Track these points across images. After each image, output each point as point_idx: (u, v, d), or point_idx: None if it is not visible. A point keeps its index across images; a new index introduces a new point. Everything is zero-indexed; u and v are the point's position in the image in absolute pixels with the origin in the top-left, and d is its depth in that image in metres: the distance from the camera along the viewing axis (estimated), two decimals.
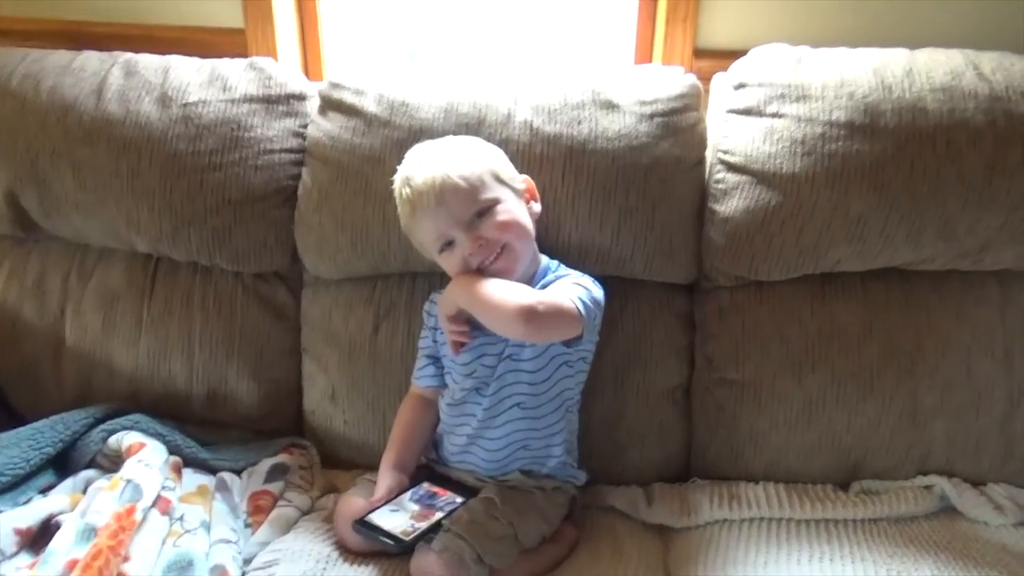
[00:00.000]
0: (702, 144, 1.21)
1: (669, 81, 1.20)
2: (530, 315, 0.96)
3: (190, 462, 1.19)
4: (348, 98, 1.25)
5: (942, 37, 1.22)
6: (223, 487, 1.16)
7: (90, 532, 0.94)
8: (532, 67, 1.29)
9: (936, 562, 1.01)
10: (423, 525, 1.01)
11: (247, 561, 1.04)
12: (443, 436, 1.15)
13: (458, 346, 1.08)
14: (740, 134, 1.17)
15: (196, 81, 1.31)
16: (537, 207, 1.11)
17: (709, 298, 1.22)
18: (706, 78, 1.27)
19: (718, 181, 1.18)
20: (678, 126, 1.18)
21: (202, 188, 1.25)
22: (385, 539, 0.99)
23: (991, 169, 1.07)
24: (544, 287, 1.07)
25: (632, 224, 1.16)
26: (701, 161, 1.21)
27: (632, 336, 1.22)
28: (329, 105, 1.27)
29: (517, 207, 1.06)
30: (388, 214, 1.13)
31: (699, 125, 1.21)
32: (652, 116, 1.17)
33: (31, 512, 1.02)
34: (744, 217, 1.14)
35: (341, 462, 1.30)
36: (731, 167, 1.17)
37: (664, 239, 1.18)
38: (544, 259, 1.13)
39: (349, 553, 1.05)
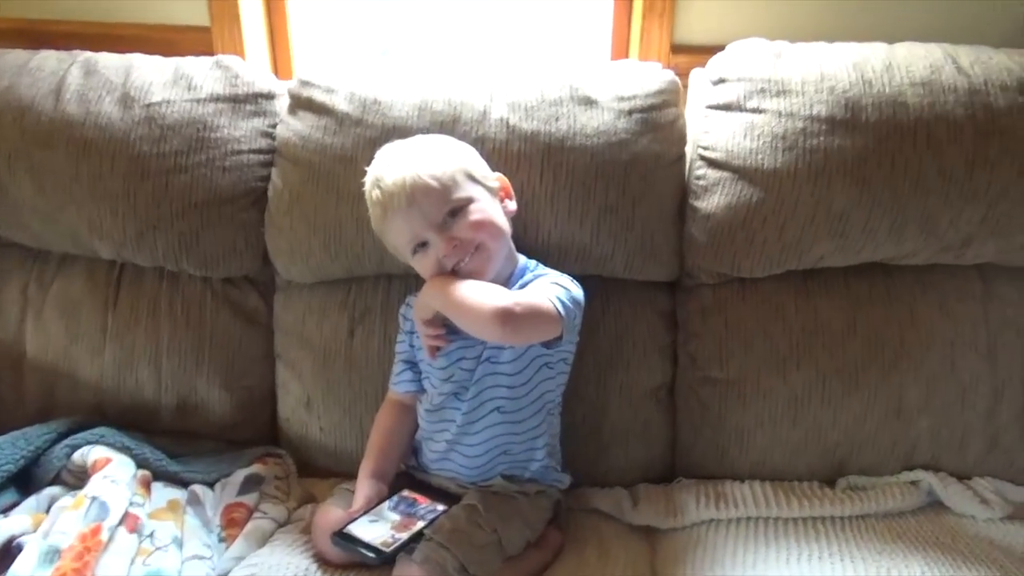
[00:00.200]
0: (682, 140, 1.19)
1: (647, 77, 1.18)
2: (506, 317, 0.94)
3: (160, 476, 1.15)
4: (318, 96, 1.22)
5: (919, 31, 1.21)
6: (195, 501, 1.12)
7: (53, 554, 0.90)
8: (508, 63, 1.26)
9: (925, 558, 1.00)
10: (404, 535, 0.98)
11: None
12: (422, 442, 1.12)
13: (434, 350, 1.05)
14: (720, 130, 1.15)
15: (159, 80, 1.26)
16: (512, 205, 1.08)
17: (691, 296, 1.21)
18: (684, 74, 1.26)
19: (699, 177, 1.16)
20: (657, 122, 1.16)
21: (167, 191, 1.21)
22: (365, 551, 0.96)
23: (971, 163, 1.07)
24: (522, 287, 1.05)
25: (612, 222, 1.14)
26: (681, 157, 1.19)
27: (614, 336, 1.20)
28: (299, 104, 1.24)
29: (491, 206, 1.04)
30: (361, 215, 1.10)
31: (678, 121, 1.19)
32: (631, 112, 1.15)
33: None
34: (726, 214, 1.13)
35: (318, 470, 1.27)
36: (712, 163, 1.15)
37: (645, 237, 1.16)
38: (522, 259, 1.10)
39: (328, 566, 1.02)
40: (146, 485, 1.10)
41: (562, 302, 0.99)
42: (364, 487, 1.06)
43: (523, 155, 1.13)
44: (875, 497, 1.10)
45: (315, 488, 1.23)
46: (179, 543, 1.02)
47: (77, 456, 1.11)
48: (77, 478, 1.11)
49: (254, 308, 1.30)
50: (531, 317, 0.96)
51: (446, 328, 1.04)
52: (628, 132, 1.14)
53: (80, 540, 0.90)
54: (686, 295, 1.22)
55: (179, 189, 1.22)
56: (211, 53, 1.36)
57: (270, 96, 1.29)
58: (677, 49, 1.40)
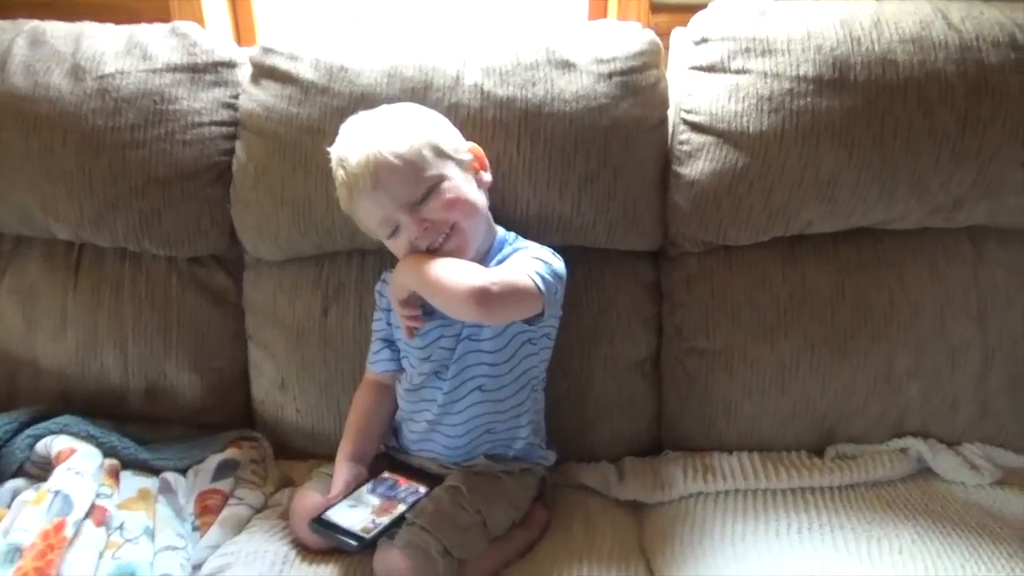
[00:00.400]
0: (664, 104, 1.15)
1: (627, 38, 1.13)
2: (483, 296, 0.90)
3: (129, 464, 1.11)
4: (282, 64, 1.15)
5: None
6: (167, 489, 1.08)
7: (14, 553, 0.85)
8: (481, 26, 1.21)
9: (915, 526, 0.99)
10: (384, 520, 0.95)
11: (196, 567, 0.96)
12: (402, 423, 1.09)
13: (411, 331, 1.02)
14: (703, 92, 1.11)
15: (112, 50, 1.19)
16: (487, 177, 1.04)
17: (676, 265, 1.18)
18: (664, 34, 1.21)
19: (682, 142, 1.12)
20: (638, 85, 1.11)
21: (125, 167, 1.15)
22: (344, 538, 0.92)
23: (963, 122, 1.04)
24: (501, 261, 1.01)
25: (593, 191, 1.10)
26: (663, 122, 1.15)
27: (597, 308, 1.16)
28: (262, 72, 1.17)
29: (464, 182, 0.99)
30: (331, 188, 1.04)
31: (660, 84, 1.14)
32: (610, 75, 1.10)
33: None
34: (710, 180, 1.09)
35: (296, 452, 1.24)
36: (695, 127, 1.11)
37: (627, 205, 1.12)
38: (500, 231, 1.06)
39: (307, 552, 0.99)
40: (114, 475, 1.05)
41: (542, 277, 0.95)
42: (342, 471, 1.03)
43: (499, 122, 1.08)
44: (864, 466, 1.08)
45: (293, 471, 1.20)
46: (151, 534, 0.98)
47: (40, 447, 1.06)
48: (42, 469, 1.06)
49: (222, 288, 1.25)
50: (509, 295, 0.92)
51: (423, 307, 1.00)
52: (608, 96, 1.09)
53: (42, 537, 0.86)
54: (670, 264, 1.18)
55: (137, 165, 1.16)
56: (168, 21, 1.29)
57: (231, 65, 1.23)
58: (657, 8, 1.35)
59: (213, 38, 1.24)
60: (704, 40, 1.12)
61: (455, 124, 1.06)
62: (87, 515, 0.93)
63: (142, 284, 1.22)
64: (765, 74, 1.07)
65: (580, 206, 1.11)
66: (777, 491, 1.07)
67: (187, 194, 1.18)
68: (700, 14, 1.15)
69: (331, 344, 1.18)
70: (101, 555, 0.91)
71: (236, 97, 1.21)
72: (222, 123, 1.20)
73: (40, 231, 1.22)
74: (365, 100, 1.09)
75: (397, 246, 0.99)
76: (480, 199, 1.01)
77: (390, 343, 1.09)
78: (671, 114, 1.16)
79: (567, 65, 1.11)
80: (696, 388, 1.16)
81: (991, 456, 1.11)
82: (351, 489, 1.00)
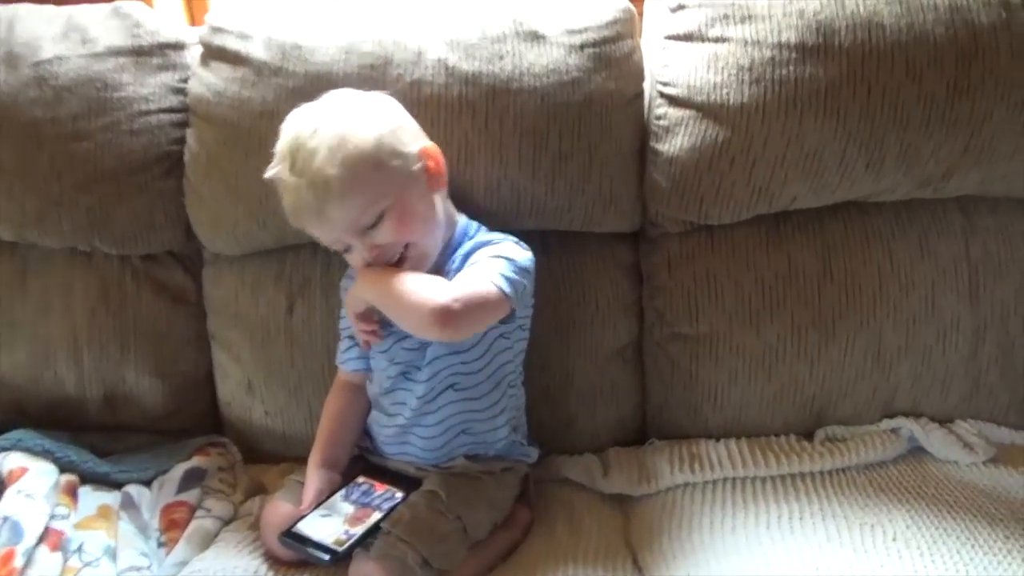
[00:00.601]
0: (639, 76, 1.09)
1: (599, 6, 1.07)
2: (445, 316, 0.85)
3: (88, 479, 1.05)
4: (232, 44, 1.08)
5: None
6: (129, 504, 1.03)
7: None
8: None
9: (910, 510, 0.95)
10: (359, 530, 0.90)
11: None
12: (374, 426, 1.04)
13: (369, 344, 0.98)
14: (681, 63, 1.05)
15: (48, 34, 1.12)
16: (443, 178, 0.96)
17: (656, 247, 1.12)
18: (638, 1, 1.14)
19: (659, 117, 1.06)
20: (612, 56, 1.05)
21: (69, 162, 1.09)
22: (316, 552, 0.87)
23: (953, 88, 0.98)
24: (465, 256, 0.95)
25: (567, 170, 1.05)
26: (639, 95, 1.09)
27: (575, 294, 1.12)
28: (211, 54, 1.10)
29: (418, 198, 0.92)
30: None
31: (635, 54, 1.08)
32: (582, 47, 1.04)
33: None
34: (690, 156, 1.04)
35: (267, 456, 1.18)
36: (673, 100, 1.05)
37: (604, 185, 1.06)
38: (461, 220, 1.00)
39: (280, 565, 0.94)
40: (71, 492, 0.99)
41: (506, 278, 0.90)
42: (314, 479, 0.98)
43: (465, 100, 1.02)
44: (855, 448, 1.05)
45: (265, 475, 1.15)
46: (112, 554, 0.93)
47: None
48: None
49: (181, 286, 1.19)
50: (473, 310, 0.87)
51: (381, 319, 0.96)
52: (580, 69, 1.03)
53: None
54: (650, 246, 1.13)
55: (82, 158, 1.09)
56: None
57: (179, 46, 1.15)
58: None
59: (159, 18, 1.16)
60: (680, 7, 1.06)
61: (417, 103, 1.00)
62: (40, 541, 0.87)
63: (95, 286, 1.16)
64: (745, 42, 1.01)
65: (554, 187, 1.05)
66: (766, 478, 1.04)
67: (137, 188, 1.11)
68: None
69: (298, 342, 1.13)
70: None
71: (186, 81, 1.14)
72: (171, 110, 1.13)
73: None
74: (321, 79, 1.02)
75: (352, 260, 0.95)
76: (436, 210, 0.95)
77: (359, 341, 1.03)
78: (647, 87, 1.10)
79: (536, 37, 1.04)
80: (680, 374, 1.11)
81: (984, 432, 1.08)
82: (324, 497, 0.95)
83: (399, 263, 0.92)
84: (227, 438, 1.19)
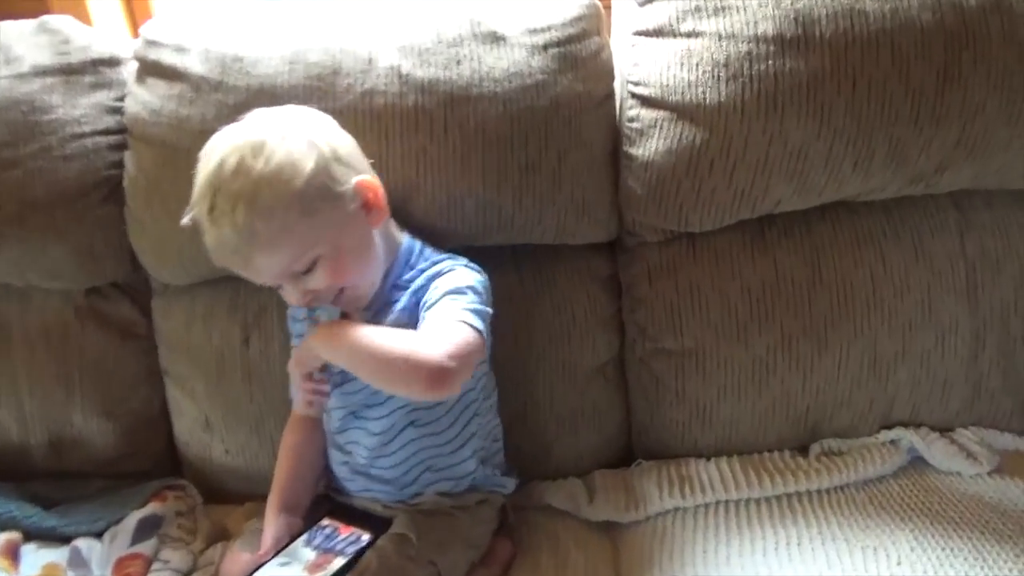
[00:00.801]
0: (608, 76, 1.02)
1: (562, 2, 1.00)
2: (443, 377, 0.77)
3: (33, 535, 0.98)
4: (168, 58, 1.00)
5: None
6: (78, 561, 0.96)
7: None
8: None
9: (914, 530, 0.90)
10: None
11: None
12: (334, 465, 0.97)
13: (311, 403, 0.91)
14: (652, 61, 0.98)
15: None
16: (383, 213, 0.88)
17: (634, 257, 1.06)
18: None
19: (632, 119, 1.00)
20: (578, 56, 0.98)
21: None
22: None
23: (941, 77, 0.92)
24: (417, 292, 0.88)
25: (536, 181, 0.97)
26: (610, 96, 1.02)
27: (550, 311, 1.05)
28: (146, 69, 1.02)
29: (351, 238, 0.85)
30: None
31: (603, 53, 1.01)
32: (546, 47, 0.97)
33: None
34: (666, 160, 0.97)
35: (231, 496, 1.11)
36: (645, 101, 0.98)
37: (576, 194, 0.99)
38: (403, 240, 0.93)
39: None
40: (11, 553, 0.92)
41: (476, 313, 0.84)
42: (272, 525, 0.91)
43: (421, 109, 0.94)
44: (852, 463, 0.99)
45: (228, 517, 1.08)
46: None
47: None
48: None
49: (128, 319, 1.11)
50: (466, 363, 0.80)
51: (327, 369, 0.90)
52: (545, 71, 0.96)
53: None
54: (628, 257, 1.06)
55: (10, 188, 1.01)
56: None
57: (113, 62, 1.07)
58: None
59: (90, 32, 1.08)
60: (649, 0, 0.99)
61: (369, 115, 0.94)
62: None
63: (34, 324, 1.08)
64: (719, 36, 0.94)
65: (523, 200, 0.98)
66: (761, 500, 0.98)
67: (73, 217, 1.03)
68: None
69: (256, 376, 1.05)
70: None
71: (122, 100, 1.05)
72: (107, 131, 1.05)
73: None
74: (265, 93, 0.95)
75: (287, 298, 0.88)
76: (375, 247, 0.88)
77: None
78: (618, 88, 1.03)
79: (495, 38, 0.97)
80: (666, 392, 1.05)
81: (987, 440, 1.03)
82: (283, 544, 0.88)
83: (334, 301, 0.86)
84: (186, 479, 1.11)
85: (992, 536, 0.88)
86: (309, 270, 0.83)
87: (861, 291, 1.00)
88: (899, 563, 0.85)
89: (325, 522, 0.91)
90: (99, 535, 1.00)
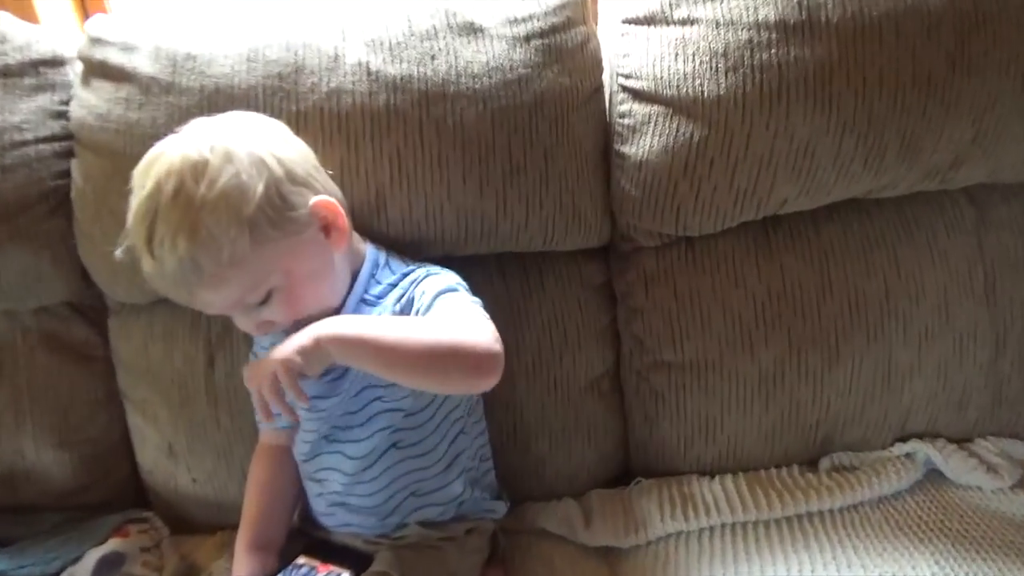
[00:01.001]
0: (597, 68, 0.95)
1: None
2: (498, 363, 0.72)
3: None
4: (114, 57, 0.92)
5: None
6: None
7: None
8: None
9: (934, 552, 0.84)
10: None
11: None
12: (307, 495, 0.90)
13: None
14: (643, 51, 0.91)
15: None
16: (344, 234, 0.80)
17: (629, 263, 0.99)
18: None
19: (623, 115, 0.93)
20: (563, 48, 0.91)
21: None
22: None
23: (953, 63, 0.85)
24: (377, 300, 0.81)
25: (521, 184, 0.90)
26: (599, 90, 0.95)
27: (539, 322, 0.98)
28: (92, 70, 0.94)
29: (308, 265, 0.77)
30: None
31: (590, 43, 0.94)
32: (528, 38, 0.90)
33: None
34: (662, 159, 0.90)
35: (201, 526, 1.04)
36: (637, 95, 0.91)
37: (564, 197, 0.92)
38: (367, 251, 0.85)
39: None
40: None
41: (480, 305, 0.79)
42: (242, 565, 0.84)
43: (393, 110, 0.87)
44: (866, 480, 0.93)
45: (199, 549, 1.00)
46: None
47: None
48: None
49: (83, 341, 1.02)
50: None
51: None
52: (528, 65, 0.89)
53: None
54: (622, 263, 1.00)
55: None
56: None
57: (57, 62, 0.99)
58: None
59: (30, 30, 0.99)
60: None
61: (337, 117, 0.86)
62: None
63: None
64: (717, 23, 0.87)
65: (507, 205, 0.91)
66: (770, 522, 0.92)
67: (17, 232, 0.94)
68: None
69: (223, 399, 0.98)
70: None
71: (67, 103, 0.97)
72: (52, 138, 0.96)
73: None
74: (221, 95, 0.87)
75: (240, 325, 0.80)
76: (335, 272, 0.81)
77: None
78: (607, 81, 0.96)
79: (473, 30, 0.90)
80: (666, 407, 0.98)
81: (1008, 451, 0.97)
82: None
83: (292, 327, 0.76)
84: (152, 511, 1.04)
85: (1018, 559, 0.82)
86: (264, 301, 0.75)
87: (874, 296, 0.94)
88: None
89: (301, 560, 0.84)
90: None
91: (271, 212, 0.73)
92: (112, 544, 0.95)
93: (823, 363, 0.94)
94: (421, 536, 0.85)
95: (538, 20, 0.90)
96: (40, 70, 0.97)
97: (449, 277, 0.82)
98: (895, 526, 0.89)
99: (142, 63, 0.90)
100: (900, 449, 0.97)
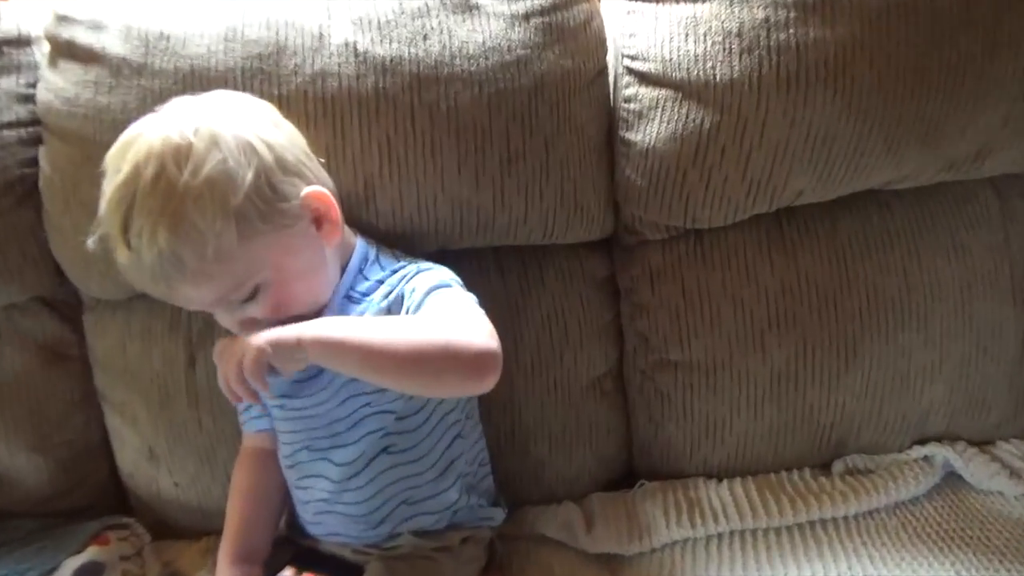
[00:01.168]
0: (600, 49, 0.90)
1: None
2: (496, 362, 0.67)
3: None
4: (82, 37, 0.86)
5: None
6: None
7: None
8: None
9: (955, 563, 0.81)
10: None
11: None
12: (294, 503, 0.86)
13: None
14: (651, 30, 0.86)
15: None
16: (336, 226, 0.76)
17: (634, 257, 0.94)
18: None
19: (629, 99, 0.88)
20: (565, 27, 0.86)
21: None
22: None
23: (990, 43, 0.81)
24: (363, 297, 0.77)
25: (519, 173, 0.86)
26: (602, 73, 0.90)
27: (539, 318, 0.93)
28: (59, 51, 0.88)
29: (298, 259, 0.73)
30: None
31: (593, 22, 0.89)
32: (527, 16, 0.84)
33: None
34: (670, 146, 0.85)
35: (185, 531, 0.99)
36: (644, 78, 0.87)
37: (566, 187, 0.88)
38: (357, 244, 0.81)
39: None
40: None
41: (475, 301, 0.75)
42: None
43: (383, 94, 0.82)
44: (882, 484, 0.89)
45: (183, 556, 0.96)
46: None
47: None
48: None
49: (57, 338, 0.97)
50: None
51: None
52: (527, 45, 0.84)
53: None
54: (627, 257, 0.95)
55: None
56: None
57: (23, 42, 0.93)
58: None
59: None
60: None
61: (322, 101, 0.81)
62: None
63: None
64: (731, 0, 0.81)
65: (504, 196, 0.86)
66: (781, 529, 0.88)
67: None
68: None
69: (204, 401, 0.93)
70: None
71: (34, 86, 0.91)
72: (18, 123, 0.90)
73: None
74: (197, 77, 0.82)
75: (222, 321, 0.75)
76: (326, 266, 0.76)
77: None
78: (611, 63, 0.91)
79: (468, 7, 0.84)
80: (672, 408, 0.94)
81: None
82: None
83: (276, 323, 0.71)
84: (133, 516, 1.00)
85: None
86: (250, 298, 0.70)
87: (892, 293, 0.90)
88: None
89: (287, 572, 0.80)
90: None
91: (260, 203, 0.68)
92: (90, 553, 0.91)
93: (838, 363, 0.90)
94: (414, 546, 0.80)
95: None
96: (3, 50, 0.91)
97: (442, 273, 0.77)
98: (912, 534, 0.85)
99: (112, 43, 0.84)
100: (918, 452, 0.93)
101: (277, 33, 0.82)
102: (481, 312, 0.73)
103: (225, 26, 0.83)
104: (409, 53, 0.82)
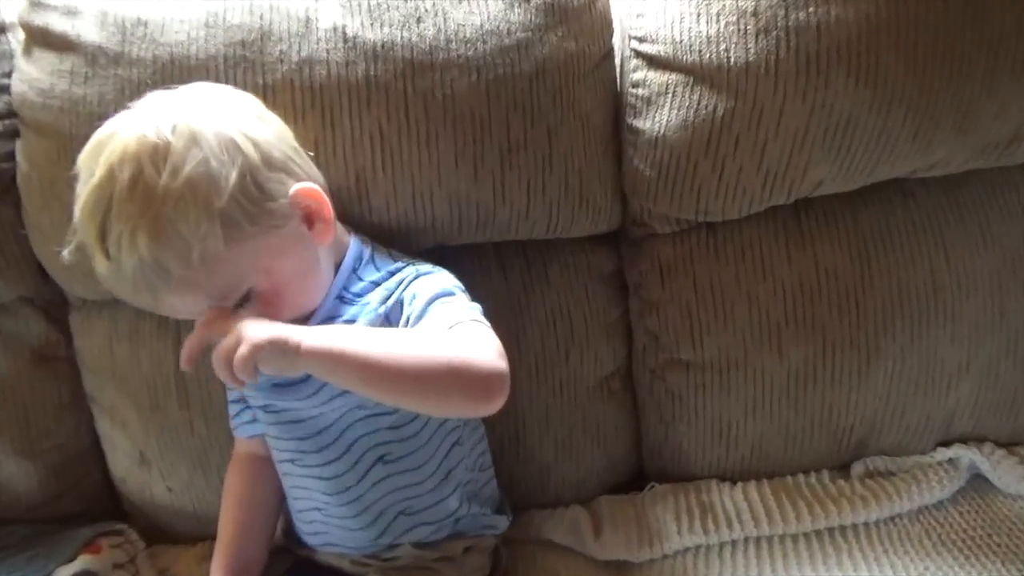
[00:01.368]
0: (606, 30, 0.85)
1: None
2: (504, 383, 0.63)
3: None
4: (56, 23, 0.82)
5: None
6: None
7: None
8: None
9: (982, 573, 0.79)
10: None
11: None
12: (289, 511, 0.83)
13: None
14: (661, 10, 0.81)
15: None
16: (328, 225, 0.72)
17: (643, 251, 0.90)
18: None
19: (637, 84, 0.83)
20: (567, 7, 0.81)
21: None
22: None
23: (1019, 21, 0.76)
24: (356, 298, 0.73)
25: (521, 165, 0.81)
26: (608, 56, 0.86)
27: (544, 317, 0.90)
28: (33, 38, 0.84)
29: (290, 261, 0.69)
30: None
31: (598, 2, 0.84)
32: None
33: None
34: (680, 134, 0.81)
35: (180, 537, 0.97)
36: (653, 62, 0.82)
37: (570, 179, 0.84)
38: (351, 242, 0.77)
39: None
40: None
41: (481, 312, 0.71)
42: None
43: (374, 82, 0.78)
44: (905, 488, 0.86)
45: (178, 562, 0.94)
46: None
47: None
48: None
49: (43, 340, 0.94)
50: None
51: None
52: (527, 27, 0.80)
53: None
54: (635, 251, 0.91)
55: None
56: None
57: None
58: None
59: None
60: None
61: (309, 91, 0.77)
62: None
63: None
64: None
65: (505, 189, 0.82)
66: (798, 536, 0.85)
67: None
68: None
69: (196, 403, 0.90)
70: None
71: (9, 75, 0.87)
72: None
73: None
74: (177, 66, 0.78)
75: None
76: (319, 266, 0.72)
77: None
78: (618, 45, 0.87)
79: None
80: (683, 408, 0.91)
81: None
82: None
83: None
84: (127, 522, 0.97)
85: None
86: (241, 303, 0.67)
87: (918, 288, 0.86)
88: None
89: None
90: None
91: (247, 204, 0.64)
92: (82, 562, 0.88)
93: (860, 362, 0.87)
94: (414, 557, 0.78)
95: None
96: None
97: (443, 278, 0.73)
98: (937, 541, 0.82)
99: (87, 30, 0.80)
100: (942, 454, 0.89)
101: (261, 18, 0.78)
102: (488, 327, 0.69)
103: (206, 11, 0.79)
104: (402, 37, 0.78)
